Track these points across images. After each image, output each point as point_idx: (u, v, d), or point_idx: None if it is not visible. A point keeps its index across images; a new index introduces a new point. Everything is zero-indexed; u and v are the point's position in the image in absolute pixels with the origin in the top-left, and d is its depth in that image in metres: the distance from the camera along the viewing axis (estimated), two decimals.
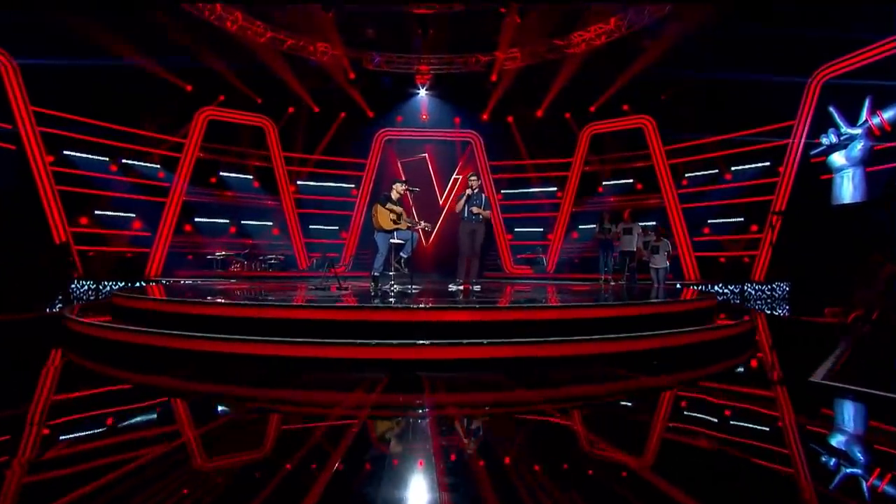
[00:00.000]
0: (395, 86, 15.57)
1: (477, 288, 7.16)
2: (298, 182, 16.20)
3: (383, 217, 6.61)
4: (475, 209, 7.09)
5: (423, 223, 7.13)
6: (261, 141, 15.59)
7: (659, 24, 12.17)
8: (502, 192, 17.23)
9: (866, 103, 11.05)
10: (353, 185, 16.74)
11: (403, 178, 6.86)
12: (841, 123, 11.47)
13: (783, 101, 12.22)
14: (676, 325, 4.91)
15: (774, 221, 12.24)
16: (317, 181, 16.38)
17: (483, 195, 7.27)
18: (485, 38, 13.59)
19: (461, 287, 7.18)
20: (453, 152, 17.30)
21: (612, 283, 10.15)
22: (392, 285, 6.90)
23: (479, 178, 7.23)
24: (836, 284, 10.03)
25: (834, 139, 11.43)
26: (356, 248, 16.06)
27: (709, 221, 14.01)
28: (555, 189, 16.95)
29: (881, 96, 10.82)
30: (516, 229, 17.09)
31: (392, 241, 6.77)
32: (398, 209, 6.75)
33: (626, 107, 15.43)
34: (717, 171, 13.98)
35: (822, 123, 11.79)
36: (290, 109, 15.86)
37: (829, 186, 11.78)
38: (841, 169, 11.45)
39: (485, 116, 16.79)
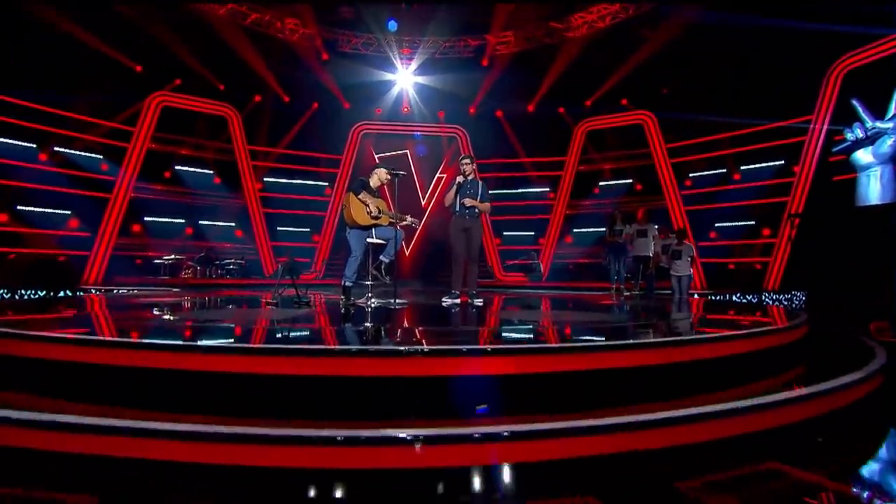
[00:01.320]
0: (375, 72, 14.07)
1: (479, 302, 5.73)
2: (265, 179, 14.56)
3: (358, 210, 5.14)
4: (468, 201, 5.68)
5: (409, 218, 5.65)
6: (223, 132, 13.92)
7: (666, 6, 10.99)
8: (490, 192, 15.84)
9: (895, 96, 10.05)
10: (326, 184, 15.16)
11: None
12: (866, 118, 10.43)
13: (800, 94, 11.18)
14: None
15: (792, 224, 11.14)
16: (286, 178, 14.75)
17: (479, 182, 5.87)
18: (475, 20, 12.24)
19: (457, 301, 5.73)
20: (438, 148, 15.89)
21: (627, 294, 8.85)
22: (369, 298, 5.41)
23: (472, 162, 5.82)
24: (862, 295, 9.00)
25: (860, 134, 10.39)
26: (329, 253, 14.48)
27: (716, 225, 12.88)
28: (547, 189, 15.68)
29: None
30: (505, 233, 15.73)
31: (369, 240, 5.31)
32: (377, 201, 5.29)
33: (624, 101, 14.27)
34: (724, 170, 12.88)
35: (842, 118, 10.75)
36: (257, 98, 14.24)
37: (847, 187, 10.74)
38: (867, 167, 10.41)
39: (472, 110, 15.44)
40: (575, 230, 15.13)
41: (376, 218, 5.26)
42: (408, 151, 15.73)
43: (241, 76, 13.21)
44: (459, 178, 5.75)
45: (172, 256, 12.03)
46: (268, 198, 14.29)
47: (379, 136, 15.48)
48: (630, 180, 14.68)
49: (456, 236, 5.74)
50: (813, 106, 11.18)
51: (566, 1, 11.31)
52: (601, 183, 15.19)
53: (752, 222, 12.17)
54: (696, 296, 9.94)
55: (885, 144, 10.12)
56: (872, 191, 10.39)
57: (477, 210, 5.75)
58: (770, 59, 11.14)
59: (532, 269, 12.73)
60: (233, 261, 12.35)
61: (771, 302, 10.94)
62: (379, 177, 5.48)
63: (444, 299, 5.82)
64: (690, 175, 13.42)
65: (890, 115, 10.14)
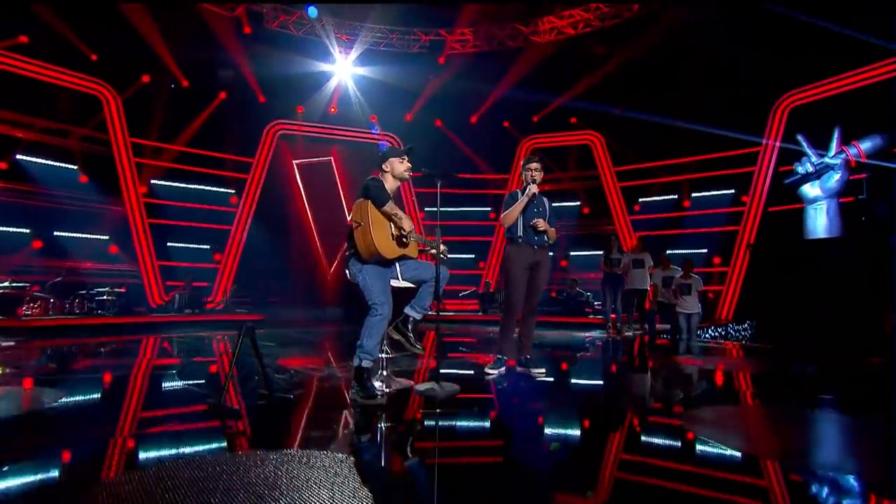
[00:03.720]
0: (304, 61, 11.79)
1: (540, 372, 4.09)
2: (152, 181, 11.45)
3: (381, 232, 3.20)
4: (540, 223, 4.11)
5: (441, 243, 3.74)
6: (94, 116, 10.66)
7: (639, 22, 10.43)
8: (426, 209, 14.27)
9: (836, 133, 10.40)
10: (232, 191, 12.42)
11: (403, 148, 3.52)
12: (810, 153, 10.72)
13: (751, 125, 11.26)
14: None
15: (745, 254, 11.10)
16: (180, 181, 11.76)
17: (545, 199, 4.31)
18: (432, 11, 10.68)
19: (502, 370, 4.06)
20: (369, 157, 13.91)
21: (629, 333, 7.76)
22: (389, 381, 3.52)
23: (541, 166, 4.25)
24: (812, 325, 8.97)
25: (810, 168, 10.62)
26: (234, 277, 11.76)
27: (667, 252, 12.56)
28: (489, 209, 14.49)
29: (849, 127, 10.24)
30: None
31: (394, 282, 3.40)
32: (403, 217, 3.39)
33: (574, 119, 13.64)
34: (675, 196, 12.68)
35: (791, 151, 10.97)
36: (145, 78, 11.19)
37: (792, 218, 10.96)
38: (815, 200, 10.64)
39: (408, 117, 13.79)
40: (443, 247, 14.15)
41: (404, 245, 3.39)
42: (332, 159, 13.59)
43: (123, 46, 10.20)
44: (531, 189, 4.10)
45: (7, 283, 8.54)
46: (156, 205, 11.21)
47: (299, 139, 13.13)
48: (578, 202, 14.02)
49: (518, 274, 4.07)
50: (761, 138, 11.33)
51: (538, 2, 10.23)
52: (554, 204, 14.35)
53: (705, 250, 12.03)
54: (709, 337, 9.13)
55: (832, 180, 10.40)
56: (819, 224, 10.63)
57: (547, 238, 4.16)
58: (724, 89, 11.08)
59: (494, 298, 11.36)
60: (108, 289, 9.09)
61: (734, 333, 10.70)
62: (394, 173, 3.50)
63: (487, 369, 4.08)
64: (640, 200, 13.07)
65: (832, 153, 10.49)
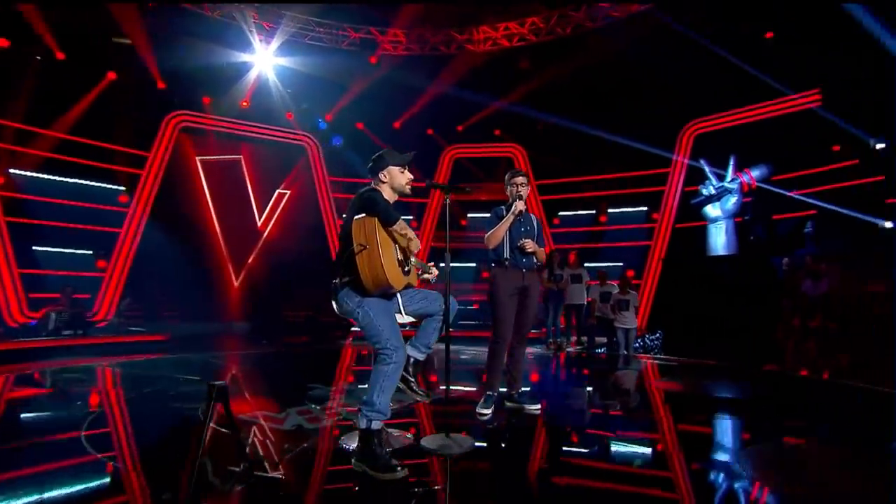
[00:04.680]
0: (217, 46, 10.46)
1: (535, 409, 3.76)
2: (13, 171, 9.43)
3: (389, 257, 2.65)
4: (529, 244, 3.79)
5: (433, 267, 3.24)
6: None
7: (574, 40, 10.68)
8: (343, 217, 13.45)
9: (732, 160, 11.51)
10: (122, 188, 10.67)
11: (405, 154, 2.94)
12: (711, 177, 11.76)
13: (662, 146, 12.08)
14: None
15: (656, 267, 11.87)
16: (54, 174, 9.82)
17: (533, 217, 4.00)
18: (366, 8, 10.02)
19: (487, 411, 3.67)
20: (284, 158, 12.81)
21: (570, 350, 7.75)
22: (385, 438, 2.95)
23: (527, 182, 3.93)
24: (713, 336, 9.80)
25: (712, 190, 11.62)
26: (124, 290, 10.11)
27: (585, 265, 13.05)
28: (410, 217, 14.04)
29: (743, 156, 11.38)
30: None
31: (399, 317, 2.85)
32: (414, 237, 2.86)
33: (498, 132, 13.71)
34: (593, 211, 13.23)
35: (698, 173, 11.94)
36: (3, 42, 9.17)
37: (697, 236, 11.95)
38: (715, 220, 11.67)
39: (328, 117, 12.93)
40: (442, 265, 13.80)
41: (407, 273, 2.87)
42: (242, 158, 12.30)
43: None
44: (519, 206, 3.74)
45: None
46: (19, 200, 9.23)
47: (204, 133, 11.69)
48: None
49: (505, 301, 3.70)
50: (671, 159, 12.21)
51: (475, 11, 10.04)
52: (469, 215, 14.27)
53: (621, 263, 12.65)
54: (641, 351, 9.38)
55: (730, 202, 11.48)
56: (719, 242, 11.67)
57: (536, 260, 3.83)
58: (642, 112, 11.75)
59: None
60: None
61: (650, 343, 11.33)
62: (393, 184, 2.93)
63: (480, 409, 3.66)
64: (559, 213, 13.45)
65: (729, 177, 11.58)
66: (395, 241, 2.73)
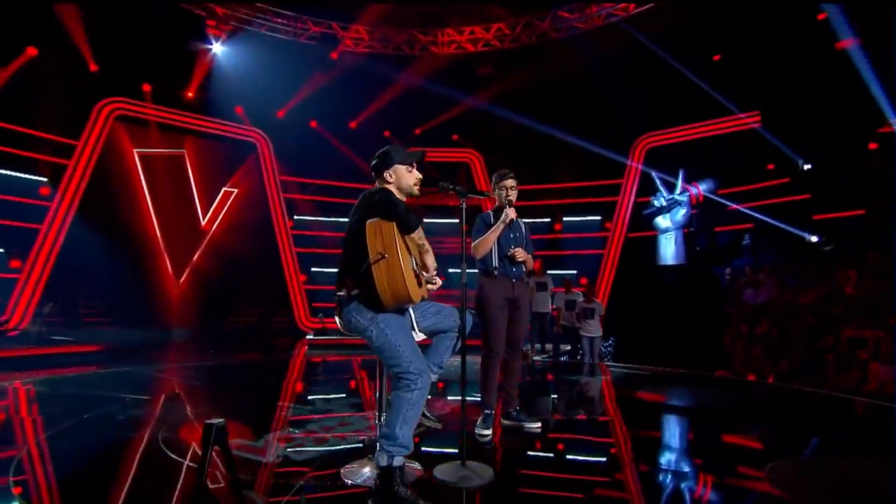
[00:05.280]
0: (158, 27, 9.59)
1: (535, 427, 3.58)
2: None
3: (408, 267, 2.35)
4: (520, 253, 3.63)
5: (434, 276, 2.94)
6: None
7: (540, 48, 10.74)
8: (295, 217, 12.86)
9: (681, 174, 12.04)
10: (44, 179, 9.56)
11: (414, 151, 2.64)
12: (662, 190, 12.23)
13: (616, 159, 12.43)
14: None
15: (609, 275, 12.19)
16: None
17: (522, 223, 3.83)
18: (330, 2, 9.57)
19: (487, 432, 3.45)
20: (230, 154, 12.03)
21: (538, 358, 7.70)
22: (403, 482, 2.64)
23: (517, 185, 3.77)
24: (664, 342, 10.19)
25: (663, 202, 12.07)
26: (43, 294, 9.04)
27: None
28: None
29: (692, 169, 11.93)
30: (314, 269, 12.88)
31: (413, 334, 2.57)
32: (426, 244, 2.58)
33: (455, 136, 13.59)
34: (548, 220, 13.39)
35: (649, 185, 12.37)
36: None
37: (648, 245, 12.39)
38: (665, 231, 12.13)
39: (280, 114, 12.30)
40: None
41: (420, 285, 2.60)
42: (185, 153, 11.42)
43: None
44: (509, 214, 3.55)
45: None
46: None
47: (143, 124, 10.73)
48: (457, 220, 13.95)
49: (496, 313, 3.51)
50: (623, 171, 12.59)
51: (440, 13, 9.86)
52: (426, 220, 14.02)
53: (574, 271, 12.87)
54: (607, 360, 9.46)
55: (679, 214, 11.98)
56: (669, 252, 12.15)
57: (525, 269, 3.67)
58: (600, 123, 12.01)
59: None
60: None
61: (604, 349, 11.56)
62: (400, 185, 2.56)
63: (479, 430, 3.43)
64: None
65: (679, 190, 12.10)
66: (409, 249, 2.46)
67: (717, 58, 10.87)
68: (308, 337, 9.64)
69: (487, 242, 3.51)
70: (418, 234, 2.39)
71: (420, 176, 2.67)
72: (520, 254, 3.57)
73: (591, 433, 3.78)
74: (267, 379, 6.28)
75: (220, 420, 1.84)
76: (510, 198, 3.63)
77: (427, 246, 2.47)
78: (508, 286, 3.57)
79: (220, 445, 1.82)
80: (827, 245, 10.37)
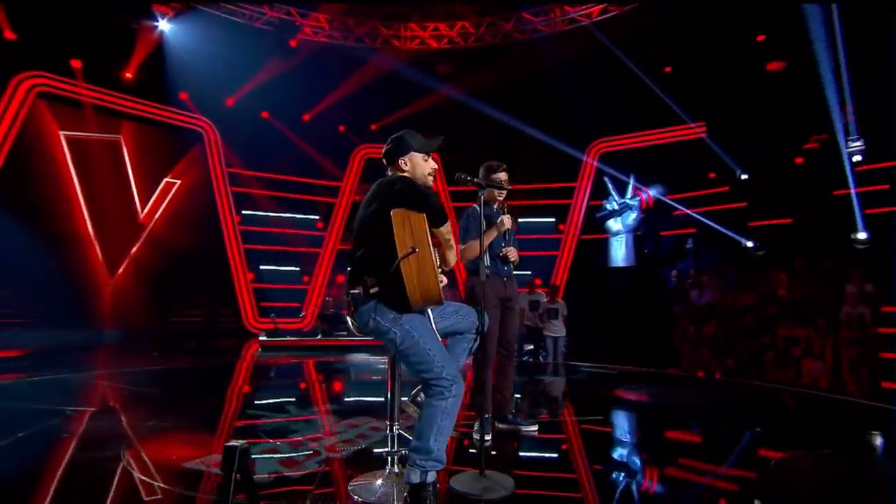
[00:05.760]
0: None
1: (532, 430, 3.49)
2: None
3: (428, 262, 2.16)
4: (512, 252, 3.55)
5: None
6: None
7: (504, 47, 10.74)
8: (243, 212, 12.18)
9: (631, 179, 12.50)
10: None
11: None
12: (614, 194, 12.63)
13: (571, 162, 12.71)
14: None
15: (563, 276, 12.45)
16: None
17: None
18: None
19: (486, 437, 3.32)
20: (173, 143, 11.19)
21: None
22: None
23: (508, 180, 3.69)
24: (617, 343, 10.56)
25: (615, 206, 12.46)
26: None
27: None
28: (317, 217, 13.13)
29: (642, 175, 12.40)
30: (262, 267, 12.25)
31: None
32: (451, 239, 2.42)
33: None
34: None
35: (603, 189, 12.73)
36: None
37: (599, 247, 12.77)
38: (617, 233, 12.55)
39: (230, 102, 11.61)
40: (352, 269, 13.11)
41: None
42: (122, 138, 10.51)
43: None
44: (505, 223, 3.45)
45: None
46: None
47: (73, 104, 9.75)
48: None
49: (489, 311, 3.39)
50: (577, 174, 12.89)
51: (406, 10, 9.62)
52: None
53: (529, 272, 13.01)
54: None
55: (630, 217, 12.42)
56: (619, 254, 12.57)
57: (514, 266, 3.61)
58: (556, 126, 12.22)
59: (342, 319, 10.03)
60: None
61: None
62: (415, 173, 2.36)
63: (475, 435, 3.30)
64: None
65: (630, 195, 12.55)
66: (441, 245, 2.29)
67: (668, 69, 11.36)
68: (261, 338, 9.11)
69: (476, 248, 3.35)
70: (447, 228, 2.22)
71: (435, 166, 2.51)
72: (512, 253, 3.50)
73: (588, 434, 3.75)
74: (222, 384, 5.83)
75: (242, 442, 1.59)
76: (503, 184, 3.51)
77: (452, 241, 2.31)
78: (500, 285, 3.48)
79: (242, 472, 1.57)
80: (759, 250, 11.10)
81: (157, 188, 10.91)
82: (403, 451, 2.33)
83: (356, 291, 2.19)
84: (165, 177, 11.08)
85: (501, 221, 3.43)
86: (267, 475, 2.61)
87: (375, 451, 2.60)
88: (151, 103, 10.45)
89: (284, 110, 11.87)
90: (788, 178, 10.77)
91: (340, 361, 7.64)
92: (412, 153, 2.38)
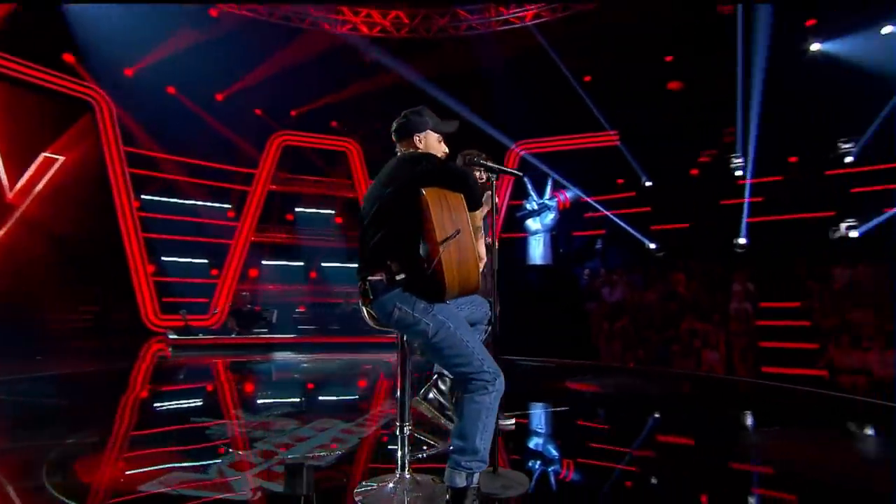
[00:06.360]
0: None
1: (510, 424, 3.44)
2: None
3: (470, 248, 2.00)
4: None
5: None
6: None
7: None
8: (142, 197, 10.88)
9: (549, 181, 13.06)
10: None
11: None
12: (533, 194, 13.10)
13: (495, 159, 12.91)
14: None
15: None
16: None
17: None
18: None
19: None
20: (54, 112, 9.67)
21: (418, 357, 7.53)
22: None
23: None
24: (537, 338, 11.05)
25: (535, 206, 12.91)
26: None
27: None
28: (228, 206, 12.11)
29: (561, 176, 12.99)
30: (165, 258, 11.04)
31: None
32: (480, 226, 2.25)
33: (334, 123, 12.84)
34: None
35: (522, 189, 13.13)
36: None
37: (517, 246, 13.20)
38: (535, 233, 13.02)
39: (129, 72, 10.30)
40: (266, 262, 12.31)
41: None
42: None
43: None
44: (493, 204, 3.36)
45: None
46: None
47: None
48: (332, 211, 13.20)
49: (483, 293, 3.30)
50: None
51: None
52: (297, 209, 13.00)
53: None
54: None
55: (548, 217, 12.96)
56: (538, 253, 13.06)
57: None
58: (478, 125, 12.38)
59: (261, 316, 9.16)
60: None
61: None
62: (428, 149, 2.19)
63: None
64: None
65: (549, 196, 13.10)
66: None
67: (587, 79, 12.01)
68: (171, 337, 8.14)
69: (482, 212, 3.21)
70: (482, 213, 2.08)
71: (447, 150, 2.35)
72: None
73: (565, 427, 3.79)
74: (129, 390, 5.11)
75: (296, 457, 1.33)
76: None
77: (482, 230, 2.17)
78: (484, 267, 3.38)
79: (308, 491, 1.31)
80: (660, 252, 12.15)
81: (32, 164, 9.36)
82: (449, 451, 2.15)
83: (376, 278, 1.96)
84: (43, 151, 9.54)
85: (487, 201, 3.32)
86: (250, 489, 2.27)
87: (420, 455, 2.38)
88: (27, 62, 8.91)
89: (195, 88, 10.76)
90: (685, 188, 11.90)
91: (267, 361, 7.08)
92: (429, 131, 2.20)
